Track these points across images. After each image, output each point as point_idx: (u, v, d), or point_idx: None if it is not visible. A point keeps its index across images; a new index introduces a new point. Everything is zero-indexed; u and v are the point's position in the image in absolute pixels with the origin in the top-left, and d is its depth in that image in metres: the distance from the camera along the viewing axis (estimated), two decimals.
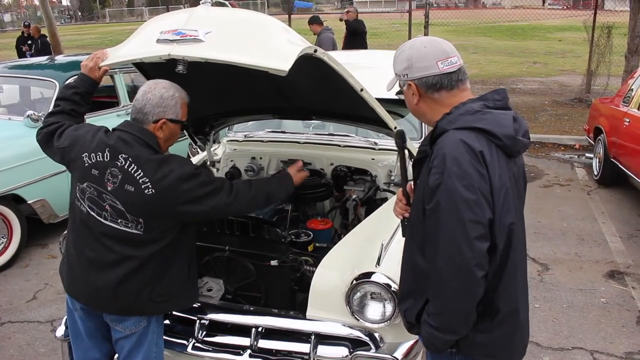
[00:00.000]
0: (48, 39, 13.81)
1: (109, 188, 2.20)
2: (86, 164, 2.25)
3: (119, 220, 2.21)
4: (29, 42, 13.58)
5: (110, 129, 2.34)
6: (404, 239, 1.98)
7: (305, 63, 2.13)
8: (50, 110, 2.60)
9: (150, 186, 2.16)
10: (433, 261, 1.70)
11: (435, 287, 1.70)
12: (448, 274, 1.65)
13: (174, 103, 2.27)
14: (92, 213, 2.25)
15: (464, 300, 1.68)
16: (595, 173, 7.06)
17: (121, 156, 2.20)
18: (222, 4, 2.45)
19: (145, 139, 2.23)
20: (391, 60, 1.90)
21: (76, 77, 2.61)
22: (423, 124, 3.76)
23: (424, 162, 1.78)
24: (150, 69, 2.79)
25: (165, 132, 2.29)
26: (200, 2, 2.35)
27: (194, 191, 2.20)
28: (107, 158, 2.22)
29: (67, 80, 5.26)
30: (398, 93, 1.94)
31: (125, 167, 2.19)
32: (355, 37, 9.67)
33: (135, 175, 2.17)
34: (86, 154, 2.26)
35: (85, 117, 2.62)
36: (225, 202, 2.28)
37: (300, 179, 2.75)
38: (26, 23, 14.32)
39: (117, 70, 6.02)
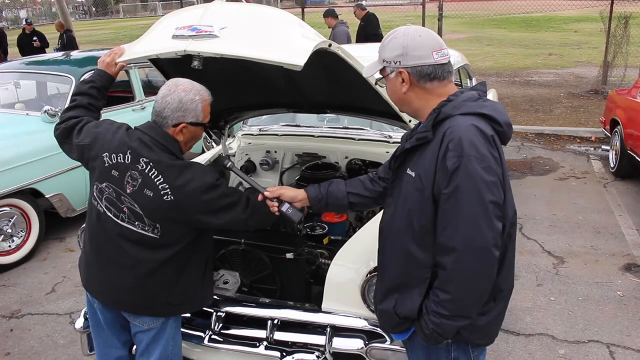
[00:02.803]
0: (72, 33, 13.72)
1: (128, 191, 2.18)
2: (106, 164, 2.23)
3: (137, 223, 2.20)
4: (55, 38, 13.51)
5: (133, 127, 2.31)
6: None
7: (320, 57, 2.13)
8: (67, 105, 2.58)
9: (169, 192, 2.14)
10: (447, 245, 1.69)
11: (450, 272, 1.70)
12: (468, 255, 1.66)
13: (194, 106, 2.20)
14: (109, 214, 2.23)
15: (483, 280, 1.70)
16: (612, 165, 6.98)
17: (142, 160, 2.17)
18: None
19: (166, 144, 2.20)
20: None
21: (92, 72, 2.62)
22: None
23: (425, 147, 1.78)
24: (166, 65, 2.81)
25: (185, 135, 2.24)
26: None
27: (213, 203, 2.18)
28: (128, 160, 2.19)
29: (82, 75, 5.31)
30: (379, 80, 1.94)
31: (146, 171, 2.16)
32: (367, 38, 9.45)
33: (155, 180, 2.15)
34: (107, 153, 2.23)
35: (100, 112, 2.62)
36: (240, 218, 2.26)
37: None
38: (28, 21, 14.21)
39: (132, 65, 6.07)
